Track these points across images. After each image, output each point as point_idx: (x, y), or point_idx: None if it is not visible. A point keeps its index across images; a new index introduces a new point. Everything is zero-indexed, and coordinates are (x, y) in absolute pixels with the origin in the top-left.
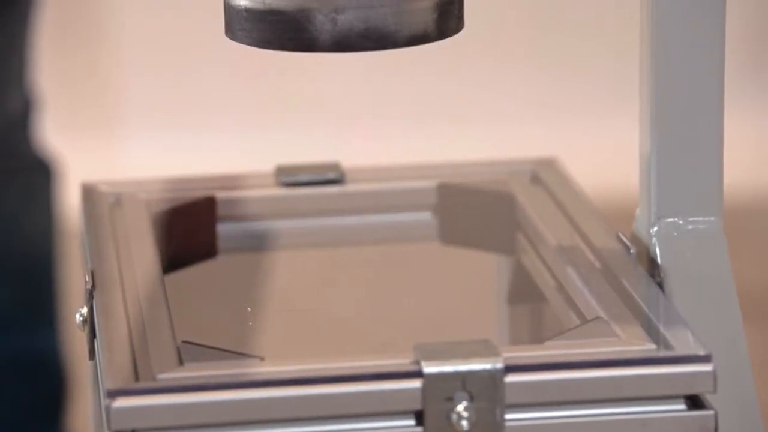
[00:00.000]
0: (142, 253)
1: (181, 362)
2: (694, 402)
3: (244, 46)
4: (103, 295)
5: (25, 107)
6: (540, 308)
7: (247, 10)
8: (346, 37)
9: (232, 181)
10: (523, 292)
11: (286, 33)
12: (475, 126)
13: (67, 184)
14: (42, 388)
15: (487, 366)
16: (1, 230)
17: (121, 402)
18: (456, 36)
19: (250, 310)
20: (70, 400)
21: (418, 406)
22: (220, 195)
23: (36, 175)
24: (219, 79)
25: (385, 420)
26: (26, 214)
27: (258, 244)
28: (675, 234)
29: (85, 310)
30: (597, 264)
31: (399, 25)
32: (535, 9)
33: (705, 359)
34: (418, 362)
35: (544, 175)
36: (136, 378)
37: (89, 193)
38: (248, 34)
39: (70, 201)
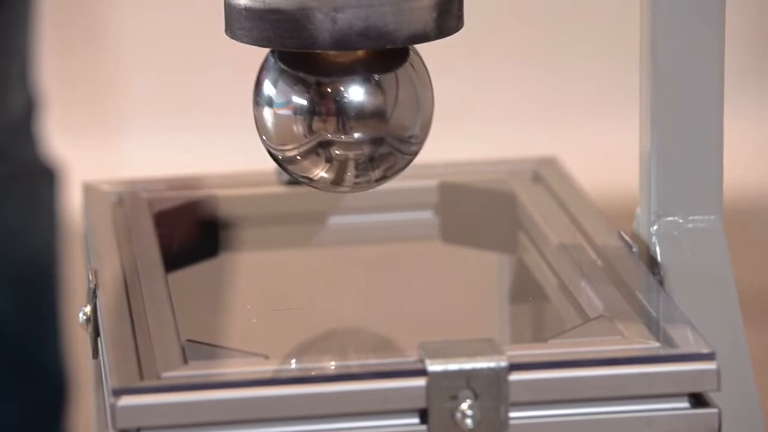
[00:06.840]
0: (145, 252)
1: (185, 361)
2: (698, 400)
3: (245, 45)
4: (106, 294)
5: (27, 110)
6: (542, 307)
7: (247, 9)
8: (345, 36)
9: (233, 180)
10: (526, 290)
11: (285, 31)
12: (475, 125)
13: (68, 184)
14: (43, 390)
15: (492, 364)
16: (4, 236)
17: (126, 400)
18: (456, 35)
19: (250, 308)
20: (72, 402)
21: (422, 405)
22: (221, 194)
23: (39, 180)
24: (220, 78)
25: (389, 418)
26: (29, 220)
27: (259, 243)
28: (675, 233)
29: (88, 309)
30: (599, 262)
31: (398, 24)
32: (535, 8)
33: (708, 357)
34: (422, 361)
35: (545, 174)
36: (141, 376)
37: (91, 193)
38: (248, 32)
39: (71, 201)
